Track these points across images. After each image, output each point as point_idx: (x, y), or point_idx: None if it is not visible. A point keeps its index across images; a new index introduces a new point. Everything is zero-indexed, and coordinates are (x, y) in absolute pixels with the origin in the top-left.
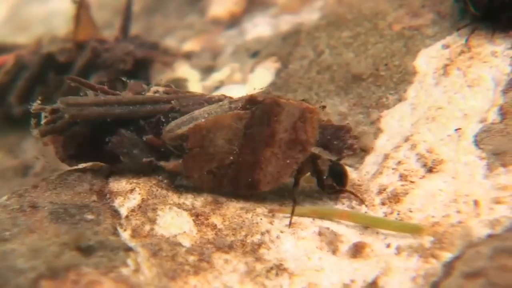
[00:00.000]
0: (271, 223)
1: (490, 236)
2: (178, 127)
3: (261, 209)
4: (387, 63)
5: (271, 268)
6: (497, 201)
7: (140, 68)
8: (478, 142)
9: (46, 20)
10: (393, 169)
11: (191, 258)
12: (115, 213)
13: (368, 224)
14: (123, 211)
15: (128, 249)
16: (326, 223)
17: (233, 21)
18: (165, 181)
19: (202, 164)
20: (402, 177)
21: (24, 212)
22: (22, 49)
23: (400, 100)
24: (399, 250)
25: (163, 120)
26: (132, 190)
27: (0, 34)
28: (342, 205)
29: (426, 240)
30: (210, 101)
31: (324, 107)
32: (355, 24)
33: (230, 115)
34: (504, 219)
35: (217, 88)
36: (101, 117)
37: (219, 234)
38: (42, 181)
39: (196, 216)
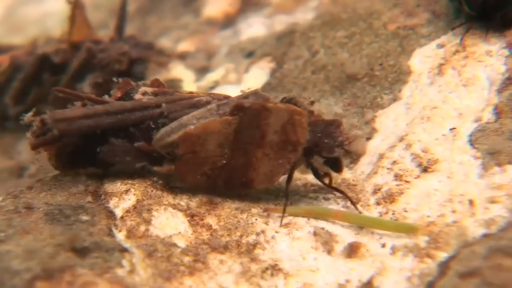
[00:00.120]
0: (266, 223)
1: (485, 236)
2: (168, 135)
3: (256, 209)
4: (382, 62)
5: (266, 269)
6: (492, 201)
7: (135, 69)
8: (473, 141)
9: (41, 21)
10: (388, 169)
11: (186, 259)
12: (110, 214)
13: (363, 224)
14: (118, 212)
15: (123, 250)
16: (321, 223)
17: (228, 22)
18: (160, 181)
19: (194, 168)
20: (397, 177)
21: (19, 213)
22: (17, 50)
23: (395, 99)
24: (394, 250)
25: (153, 126)
26: (127, 191)
27: None
28: (337, 205)
29: (421, 240)
30: (198, 104)
31: (312, 102)
32: (350, 24)
33: (219, 121)
34: (499, 218)
35: (211, 88)
36: (91, 129)
37: (214, 234)
38: (37, 182)
39: (191, 216)
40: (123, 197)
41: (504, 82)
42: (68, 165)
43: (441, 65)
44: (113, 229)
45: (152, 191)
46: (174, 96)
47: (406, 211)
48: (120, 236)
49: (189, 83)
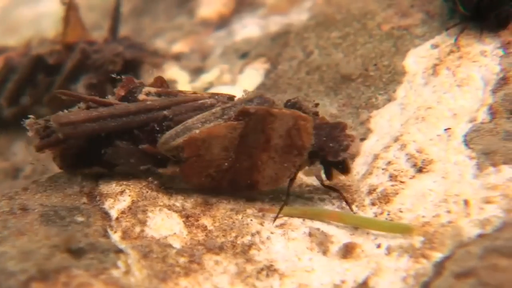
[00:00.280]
0: (261, 224)
1: (480, 236)
2: (173, 139)
3: (251, 210)
4: (376, 63)
5: (262, 269)
6: (487, 201)
7: (130, 70)
8: (467, 141)
9: (35, 22)
10: (383, 169)
11: (182, 260)
12: (105, 215)
13: (358, 225)
14: (113, 213)
15: (119, 251)
16: (317, 224)
17: (222, 22)
18: (155, 182)
19: (199, 170)
20: (392, 177)
21: (14, 214)
22: (11, 51)
23: (389, 100)
24: (389, 250)
25: (157, 128)
26: (122, 192)
27: None
28: (332, 206)
29: (417, 240)
30: (203, 107)
31: (317, 104)
32: (344, 25)
33: (224, 125)
34: (494, 218)
35: (206, 89)
36: (95, 133)
37: (210, 235)
38: (32, 184)
39: (187, 217)
40: (118, 198)
41: (498, 82)
42: (72, 165)
43: (435, 65)
44: (108, 230)
45: (147, 192)
46: (178, 98)
47: (401, 211)
48: (115, 237)
49: (184, 84)
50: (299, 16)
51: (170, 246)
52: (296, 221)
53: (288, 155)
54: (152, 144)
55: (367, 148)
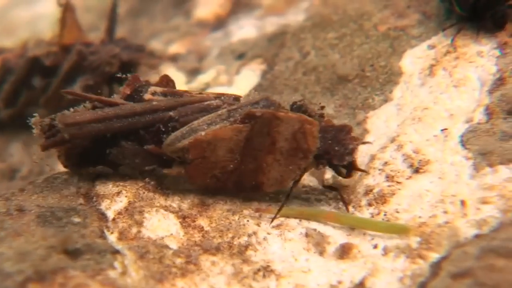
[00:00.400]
0: (258, 224)
1: (477, 236)
2: (178, 141)
3: (247, 211)
4: (373, 64)
5: (258, 270)
6: (484, 201)
7: (126, 71)
8: (464, 142)
9: (31, 24)
10: (379, 170)
11: (178, 261)
12: (102, 216)
13: (354, 225)
14: (110, 214)
15: (115, 252)
16: (313, 224)
17: (219, 23)
18: (152, 183)
19: (205, 171)
20: (389, 177)
21: (11, 215)
22: (7, 53)
23: (386, 100)
24: (386, 251)
25: (163, 129)
26: (118, 193)
27: None
28: (328, 206)
29: (413, 241)
30: (208, 108)
31: (323, 107)
32: (340, 25)
33: (230, 128)
34: (491, 219)
35: (203, 90)
36: (101, 133)
37: (206, 236)
38: (28, 185)
39: (183, 218)
40: (115, 199)
41: (495, 82)
42: (77, 165)
43: (432, 66)
44: (105, 231)
45: (143, 193)
46: (184, 99)
47: (397, 212)
48: (112, 238)
49: (180, 85)
50: (295, 17)
51: (166, 247)
52: (293, 221)
53: (293, 157)
54: (157, 145)
55: (364, 148)
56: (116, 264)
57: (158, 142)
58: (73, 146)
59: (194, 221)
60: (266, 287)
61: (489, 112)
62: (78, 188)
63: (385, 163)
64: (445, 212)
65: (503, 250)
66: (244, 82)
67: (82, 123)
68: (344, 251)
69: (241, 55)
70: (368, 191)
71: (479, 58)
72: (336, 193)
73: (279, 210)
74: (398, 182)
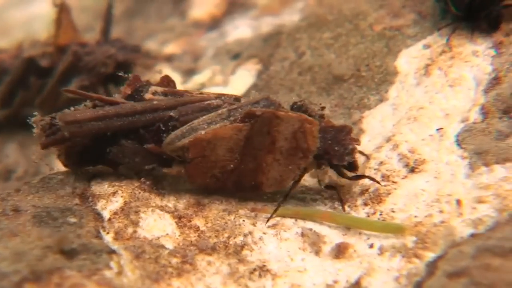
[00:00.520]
0: (253, 224)
1: (473, 236)
2: (178, 139)
3: (243, 211)
4: (368, 63)
5: (254, 270)
6: (480, 201)
7: (122, 71)
8: (460, 141)
9: (27, 24)
10: (375, 169)
11: (174, 260)
12: (98, 216)
13: (350, 225)
14: (106, 214)
15: (111, 252)
16: (309, 224)
17: (214, 24)
18: (148, 183)
19: (204, 171)
20: (384, 177)
21: (7, 215)
22: (3, 54)
23: (381, 100)
24: (382, 250)
25: (163, 128)
26: (114, 193)
27: None
28: (324, 206)
29: (409, 240)
30: (209, 108)
31: (323, 107)
32: (336, 25)
33: (230, 127)
34: (487, 218)
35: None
36: (101, 132)
37: (202, 236)
38: (24, 185)
39: (179, 218)
40: (111, 199)
41: (490, 82)
42: (77, 163)
43: (427, 65)
44: (101, 231)
45: (139, 193)
46: (184, 98)
47: (393, 211)
48: (108, 238)
49: (176, 85)
50: (291, 17)
51: (162, 246)
52: (289, 221)
53: (293, 157)
54: (157, 144)
55: (359, 148)
56: (112, 264)
57: (158, 141)
58: (73, 144)
59: (190, 221)
60: (262, 286)
61: (485, 112)
62: (73, 188)
63: (381, 163)
64: (441, 212)
65: (498, 249)
66: (239, 82)
67: (82, 121)
68: (340, 251)
69: (236, 55)
70: (363, 191)
71: (475, 57)
72: (332, 192)
73: (275, 210)
74: (393, 182)
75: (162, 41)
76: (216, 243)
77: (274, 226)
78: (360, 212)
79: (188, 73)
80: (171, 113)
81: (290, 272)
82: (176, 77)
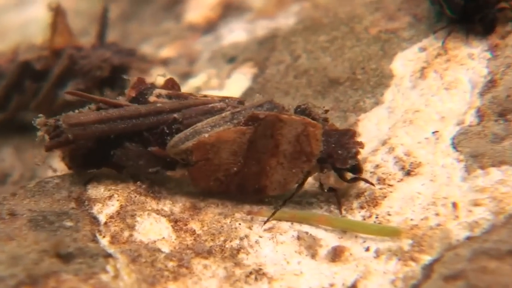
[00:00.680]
0: (250, 228)
1: (469, 239)
2: (182, 142)
3: (239, 214)
4: (364, 66)
5: (250, 273)
6: (476, 203)
7: (117, 75)
8: (455, 144)
9: (22, 28)
10: (371, 172)
11: (170, 264)
12: (94, 220)
13: (346, 228)
14: (102, 218)
15: (107, 256)
16: (305, 227)
17: (209, 27)
18: (143, 187)
19: (208, 174)
20: (380, 180)
21: (3, 219)
22: None
23: (377, 103)
24: (378, 253)
25: (167, 131)
26: (110, 197)
27: None
28: (320, 209)
29: (405, 243)
30: (212, 111)
31: (327, 111)
32: (331, 28)
33: (233, 130)
34: (483, 221)
35: None
36: (105, 134)
37: (198, 239)
38: (20, 189)
39: (175, 222)
40: (107, 203)
41: (486, 85)
42: (81, 166)
43: (423, 68)
44: (97, 235)
45: (135, 196)
46: (188, 101)
47: (389, 214)
48: (104, 241)
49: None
50: (286, 20)
51: (158, 250)
52: (285, 224)
53: (296, 161)
54: (161, 147)
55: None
56: (109, 267)
57: (162, 144)
58: (77, 147)
59: (186, 225)
60: None
61: (481, 114)
62: (70, 192)
63: (377, 166)
64: (437, 215)
65: (495, 252)
66: (235, 85)
67: (86, 123)
68: (336, 254)
69: (232, 59)
70: (359, 194)
71: (470, 60)
72: (328, 195)
73: (273, 214)
74: (389, 185)
75: (157, 45)
76: (212, 247)
77: (270, 229)
78: (356, 215)
79: (184, 76)
80: (175, 116)
81: (286, 275)
82: None
